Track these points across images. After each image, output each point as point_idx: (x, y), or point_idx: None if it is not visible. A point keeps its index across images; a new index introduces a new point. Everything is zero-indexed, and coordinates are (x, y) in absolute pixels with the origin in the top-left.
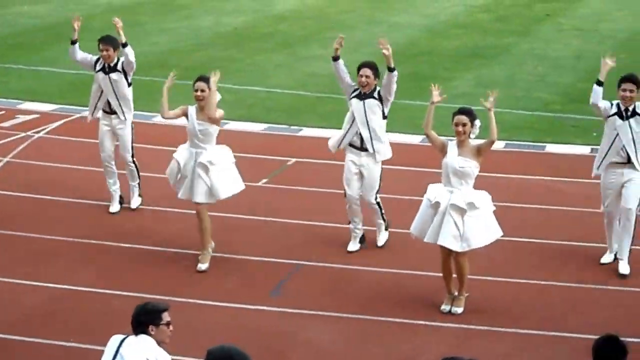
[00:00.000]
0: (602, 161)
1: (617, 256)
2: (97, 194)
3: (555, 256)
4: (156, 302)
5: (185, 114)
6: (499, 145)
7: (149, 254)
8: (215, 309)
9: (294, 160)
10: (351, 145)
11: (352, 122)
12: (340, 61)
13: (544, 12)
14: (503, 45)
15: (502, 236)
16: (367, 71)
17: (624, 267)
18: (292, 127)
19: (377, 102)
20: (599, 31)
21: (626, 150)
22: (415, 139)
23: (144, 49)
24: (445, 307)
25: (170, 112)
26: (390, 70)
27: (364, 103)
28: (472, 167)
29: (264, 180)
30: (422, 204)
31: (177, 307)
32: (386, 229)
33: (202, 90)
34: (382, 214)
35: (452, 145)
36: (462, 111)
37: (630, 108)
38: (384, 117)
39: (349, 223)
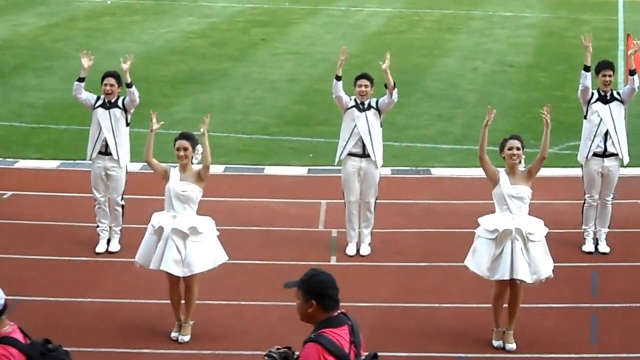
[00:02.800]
0: (588, 150)
1: (599, 240)
2: None
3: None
4: None
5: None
6: (218, 169)
7: None
8: None
9: (9, 193)
10: (350, 153)
11: (352, 132)
12: (341, 82)
13: (259, 36)
14: (220, 69)
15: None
16: (365, 82)
17: (604, 247)
18: (7, 160)
19: (376, 111)
20: (311, 54)
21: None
22: (135, 167)
23: None
24: None
25: (154, 160)
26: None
27: (365, 114)
28: (526, 192)
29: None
30: None
31: None
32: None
33: (185, 149)
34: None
35: (503, 174)
36: (514, 136)
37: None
38: (381, 126)
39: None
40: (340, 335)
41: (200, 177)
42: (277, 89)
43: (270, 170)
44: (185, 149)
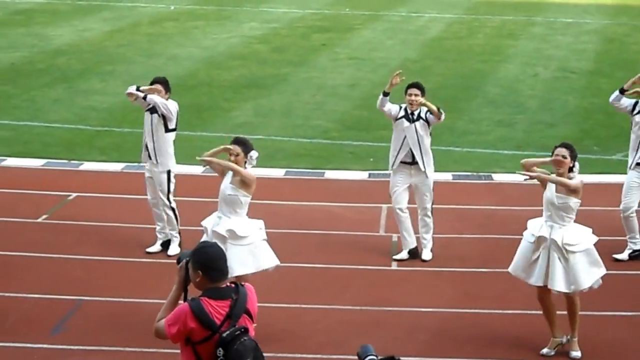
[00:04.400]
0: (633, 160)
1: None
2: None
3: (335, 279)
4: None
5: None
6: (279, 172)
7: None
8: None
9: (74, 194)
10: (402, 162)
11: (402, 142)
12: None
13: (319, 42)
14: (281, 74)
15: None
16: (415, 91)
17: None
18: (72, 162)
19: (425, 122)
20: (372, 59)
21: None
22: (197, 170)
23: None
24: None
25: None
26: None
27: (415, 126)
28: (569, 202)
29: (44, 216)
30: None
31: None
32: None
33: (237, 155)
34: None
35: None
36: (562, 144)
37: None
38: (430, 135)
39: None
40: (216, 307)
41: (245, 183)
42: (337, 94)
43: (330, 174)
44: (237, 154)
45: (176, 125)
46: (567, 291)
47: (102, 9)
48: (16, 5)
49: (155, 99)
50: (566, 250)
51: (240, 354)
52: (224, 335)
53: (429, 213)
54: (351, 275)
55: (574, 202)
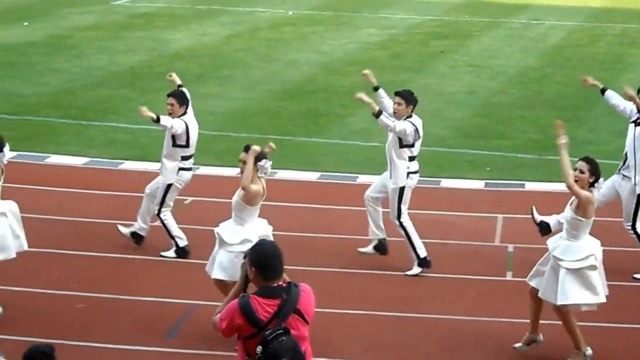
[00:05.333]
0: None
1: None
2: None
3: (449, 290)
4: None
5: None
6: None
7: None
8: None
9: (190, 199)
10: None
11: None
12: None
13: (438, 48)
14: (399, 81)
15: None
16: (397, 99)
17: None
18: None
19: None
20: (490, 67)
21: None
22: (313, 176)
23: (36, 89)
24: None
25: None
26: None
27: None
28: (567, 217)
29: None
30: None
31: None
32: None
33: (244, 162)
34: None
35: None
36: (583, 158)
37: None
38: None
39: None
40: (264, 305)
41: (245, 195)
42: (455, 101)
43: (446, 182)
44: (244, 162)
45: (187, 142)
46: (553, 302)
47: (221, 13)
48: (136, 8)
49: (165, 123)
50: (558, 264)
51: (276, 353)
52: (265, 333)
53: (394, 220)
54: (465, 285)
55: (569, 216)
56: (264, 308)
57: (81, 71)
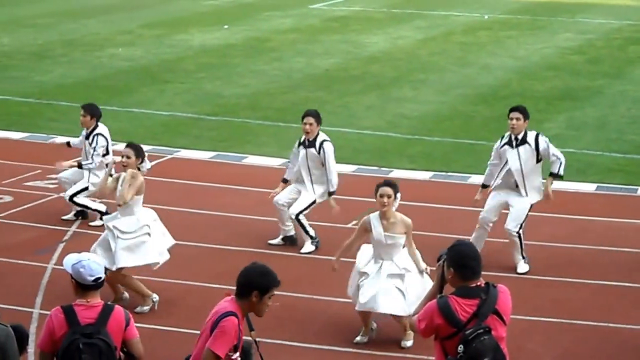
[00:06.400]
0: None
1: None
2: (184, 233)
3: None
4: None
5: None
6: (590, 187)
7: None
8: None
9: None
10: None
11: None
12: None
13: (636, 54)
14: (595, 87)
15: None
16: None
17: None
18: (382, 169)
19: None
20: None
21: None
22: None
23: (236, 90)
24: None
25: None
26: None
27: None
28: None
29: (354, 222)
30: None
31: None
32: None
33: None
34: None
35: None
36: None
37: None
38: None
39: None
40: (463, 305)
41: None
42: None
43: None
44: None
45: None
46: None
47: (416, 17)
48: (333, 12)
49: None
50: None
51: (478, 352)
52: (467, 332)
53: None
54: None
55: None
56: (463, 308)
57: (279, 73)
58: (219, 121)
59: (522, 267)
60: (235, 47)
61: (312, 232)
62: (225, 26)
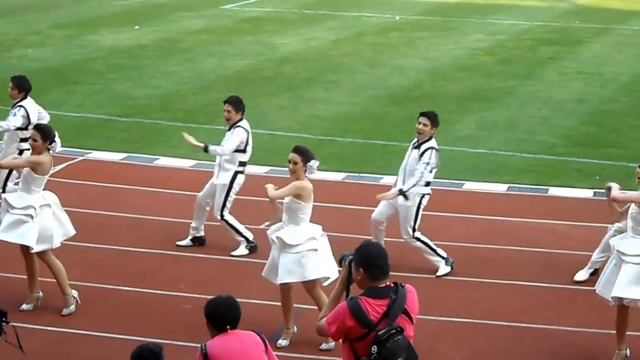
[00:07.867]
0: None
1: None
2: (95, 236)
3: (559, 300)
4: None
5: None
6: (501, 188)
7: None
8: None
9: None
10: None
11: None
12: None
13: (547, 55)
14: (506, 87)
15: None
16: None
17: None
18: None
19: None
20: (601, 74)
21: None
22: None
23: (147, 91)
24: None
25: None
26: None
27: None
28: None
29: (266, 223)
30: None
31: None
32: None
33: (295, 163)
34: None
35: None
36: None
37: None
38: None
39: None
40: (374, 306)
41: (297, 193)
42: (564, 109)
43: (554, 191)
44: (295, 163)
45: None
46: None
47: (328, 18)
48: (245, 13)
49: (217, 150)
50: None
51: (392, 352)
52: (379, 333)
53: None
54: (573, 295)
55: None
56: (374, 308)
57: (191, 74)
58: (130, 122)
59: (442, 269)
60: (147, 47)
61: (248, 235)
62: (137, 27)
